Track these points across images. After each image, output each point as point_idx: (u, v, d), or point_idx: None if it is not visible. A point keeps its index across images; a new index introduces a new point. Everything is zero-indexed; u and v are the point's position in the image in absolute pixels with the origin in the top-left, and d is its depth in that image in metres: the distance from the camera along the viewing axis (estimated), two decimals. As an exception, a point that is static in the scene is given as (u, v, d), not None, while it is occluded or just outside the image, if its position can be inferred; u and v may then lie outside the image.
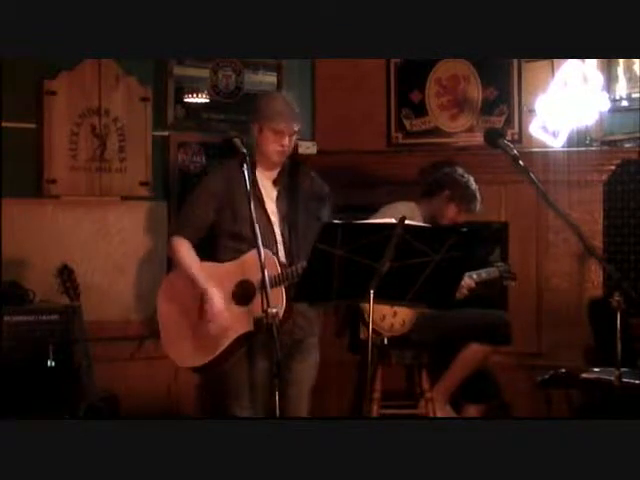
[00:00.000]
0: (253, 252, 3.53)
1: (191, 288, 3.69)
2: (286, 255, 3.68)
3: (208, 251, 3.80)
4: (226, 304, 3.63)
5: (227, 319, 3.61)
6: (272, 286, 3.47)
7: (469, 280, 4.44)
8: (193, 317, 3.69)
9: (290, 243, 3.65)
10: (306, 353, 3.80)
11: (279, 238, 3.69)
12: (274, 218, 3.71)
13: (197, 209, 3.77)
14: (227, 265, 3.69)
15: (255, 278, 3.54)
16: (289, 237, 3.66)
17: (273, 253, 3.62)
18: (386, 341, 4.39)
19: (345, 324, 4.71)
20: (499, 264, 4.70)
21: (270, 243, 3.64)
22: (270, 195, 3.74)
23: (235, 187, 3.63)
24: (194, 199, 3.83)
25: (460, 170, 4.65)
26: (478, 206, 4.63)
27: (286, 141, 3.69)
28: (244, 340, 3.62)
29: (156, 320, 3.83)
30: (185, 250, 3.74)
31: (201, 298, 3.66)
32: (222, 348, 3.63)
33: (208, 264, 3.73)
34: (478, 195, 4.62)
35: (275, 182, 3.75)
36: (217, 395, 3.81)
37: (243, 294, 3.62)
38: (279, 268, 3.57)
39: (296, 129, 3.72)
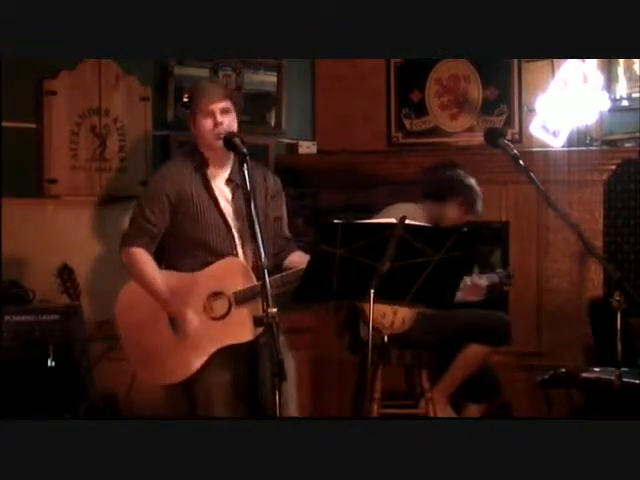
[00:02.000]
0: (223, 261, 3.45)
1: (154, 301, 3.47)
2: (247, 260, 3.45)
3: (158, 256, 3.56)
4: (199, 319, 3.44)
5: (204, 336, 3.41)
6: (246, 300, 3.37)
7: (482, 281, 4.48)
8: (161, 331, 3.46)
9: (251, 247, 3.25)
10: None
11: (238, 243, 3.47)
12: (231, 221, 3.48)
13: (150, 213, 3.47)
14: (195, 275, 3.45)
15: (229, 289, 3.42)
16: (249, 240, 3.25)
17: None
18: (386, 339, 4.39)
19: (345, 324, 4.71)
20: (499, 270, 4.72)
21: (230, 248, 3.46)
22: (225, 196, 3.50)
23: (187, 187, 3.47)
24: (144, 203, 3.51)
25: (462, 172, 4.65)
26: (480, 207, 4.65)
27: (219, 118, 3.41)
28: (218, 354, 3.42)
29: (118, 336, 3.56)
30: (146, 263, 3.48)
31: (171, 313, 3.46)
32: (198, 366, 3.42)
33: (172, 274, 3.48)
34: (481, 196, 4.64)
35: (228, 181, 3.51)
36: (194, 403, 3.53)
37: (216, 308, 3.44)
38: (254, 279, 3.37)
39: (224, 104, 3.44)
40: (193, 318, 3.43)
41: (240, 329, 3.40)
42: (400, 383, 4.95)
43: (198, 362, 3.43)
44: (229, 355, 3.44)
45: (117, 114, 4.78)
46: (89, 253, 4.72)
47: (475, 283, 4.51)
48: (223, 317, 3.44)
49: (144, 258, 3.49)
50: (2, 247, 4.29)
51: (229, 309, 3.43)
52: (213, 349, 3.42)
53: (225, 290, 3.44)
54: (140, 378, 3.59)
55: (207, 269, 3.46)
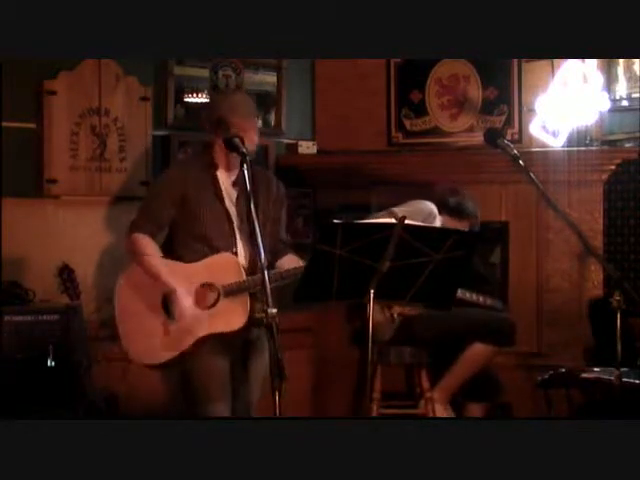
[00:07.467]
0: (220, 255, 3.65)
1: (152, 284, 3.66)
2: (245, 258, 3.66)
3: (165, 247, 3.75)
4: (191, 302, 3.63)
5: (192, 321, 3.61)
6: (234, 293, 3.58)
7: (488, 301, 4.56)
8: (154, 313, 3.67)
9: (250, 246, 3.60)
10: (259, 352, 3.71)
11: (239, 241, 3.67)
12: (235, 220, 3.68)
13: (157, 204, 3.72)
14: (191, 266, 3.65)
15: (220, 282, 3.59)
16: (249, 240, 3.57)
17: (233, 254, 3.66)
18: (396, 315, 4.36)
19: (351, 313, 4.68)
20: (498, 301, 4.74)
21: (230, 245, 3.65)
22: (230, 196, 3.70)
23: (195, 185, 3.66)
24: (153, 194, 3.83)
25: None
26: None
27: (255, 136, 3.67)
28: (202, 343, 3.61)
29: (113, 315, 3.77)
30: (148, 247, 3.68)
31: (164, 295, 3.65)
32: (182, 349, 3.62)
33: (170, 262, 3.68)
34: None
35: (235, 183, 3.70)
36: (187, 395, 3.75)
37: (205, 297, 3.63)
38: (243, 275, 3.59)
39: (256, 124, 3.74)
40: (185, 299, 3.61)
41: (227, 318, 3.60)
42: (400, 383, 4.95)
43: (186, 343, 3.61)
44: (222, 345, 3.63)
45: (117, 114, 4.78)
46: (89, 253, 4.73)
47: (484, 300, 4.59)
48: (212, 306, 3.62)
49: (146, 242, 3.69)
50: (2, 247, 4.30)
51: (217, 299, 3.61)
52: (201, 334, 3.60)
53: (216, 282, 3.61)
54: (131, 356, 3.76)
55: (202, 261, 3.65)
